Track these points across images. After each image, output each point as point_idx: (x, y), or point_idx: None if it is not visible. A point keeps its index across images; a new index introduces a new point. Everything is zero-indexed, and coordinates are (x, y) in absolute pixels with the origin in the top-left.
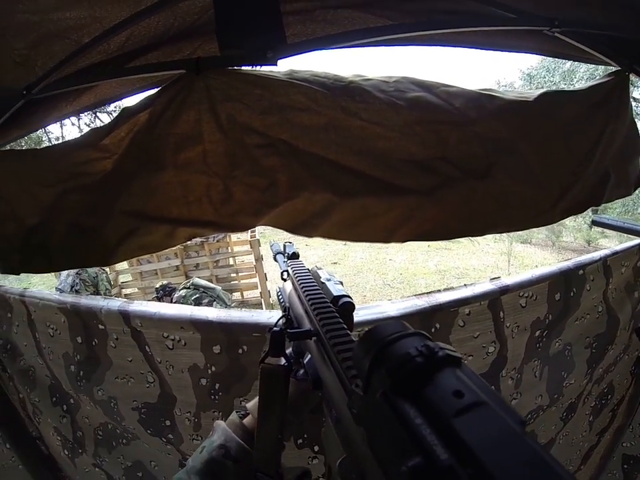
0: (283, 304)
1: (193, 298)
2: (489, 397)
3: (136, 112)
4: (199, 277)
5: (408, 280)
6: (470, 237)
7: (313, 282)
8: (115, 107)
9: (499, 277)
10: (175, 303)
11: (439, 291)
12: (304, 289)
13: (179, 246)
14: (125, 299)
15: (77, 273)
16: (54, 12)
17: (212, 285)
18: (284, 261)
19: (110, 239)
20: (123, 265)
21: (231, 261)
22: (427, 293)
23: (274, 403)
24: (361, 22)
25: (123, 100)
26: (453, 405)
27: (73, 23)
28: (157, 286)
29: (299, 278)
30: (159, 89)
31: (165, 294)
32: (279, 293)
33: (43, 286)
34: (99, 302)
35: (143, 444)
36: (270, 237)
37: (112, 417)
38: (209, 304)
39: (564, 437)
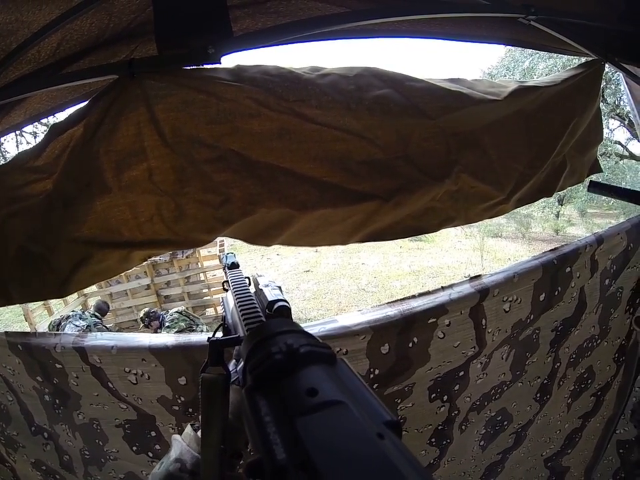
0: (223, 313)
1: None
2: (357, 396)
3: (67, 126)
4: (170, 294)
5: (382, 283)
6: (425, 234)
7: (247, 290)
8: None
9: (479, 276)
10: (166, 325)
11: (414, 296)
12: (237, 296)
13: (148, 264)
14: (78, 333)
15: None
16: None
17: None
18: (225, 272)
19: (62, 269)
20: (91, 288)
21: (202, 277)
22: (401, 299)
23: (214, 412)
24: (317, 13)
25: (57, 115)
26: (301, 403)
27: None
28: (141, 314)
29: (234, 286)
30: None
31: (151, 320)
32: (222, 303)
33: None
34: (51, 339)
35: (129, 462)
36: (241, 249)
37: (93, 441)
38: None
39: (542, 417)
